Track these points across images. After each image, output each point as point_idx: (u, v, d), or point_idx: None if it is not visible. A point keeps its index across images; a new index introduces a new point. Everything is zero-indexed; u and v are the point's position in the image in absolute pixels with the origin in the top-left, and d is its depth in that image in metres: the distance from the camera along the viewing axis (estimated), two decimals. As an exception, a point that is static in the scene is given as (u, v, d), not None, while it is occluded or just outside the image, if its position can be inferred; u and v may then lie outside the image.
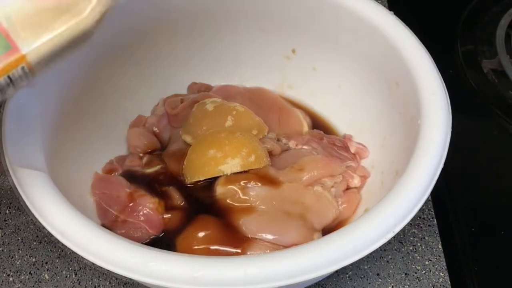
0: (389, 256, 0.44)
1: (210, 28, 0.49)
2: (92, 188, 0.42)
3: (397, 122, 0.42)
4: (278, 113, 0.48)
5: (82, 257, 0.30)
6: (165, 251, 0.30)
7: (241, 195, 0.39)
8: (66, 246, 0.31)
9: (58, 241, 0.31)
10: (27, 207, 0.32)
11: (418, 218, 0.46)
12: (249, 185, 0.40)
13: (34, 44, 0.26)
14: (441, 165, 0.34)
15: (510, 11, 0.59)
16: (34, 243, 0.45)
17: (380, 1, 0.59)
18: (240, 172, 0.40)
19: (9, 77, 0.26)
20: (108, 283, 0.42)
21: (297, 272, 0.29)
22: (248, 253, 0.37)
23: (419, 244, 0.44)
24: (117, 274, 0.30)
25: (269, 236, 0.38)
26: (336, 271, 0.43)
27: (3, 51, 0.25)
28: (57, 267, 0.43)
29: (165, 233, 0.40)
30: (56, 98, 0.40)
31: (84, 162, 0.43)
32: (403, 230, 0.43)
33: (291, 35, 0.48)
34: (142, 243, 0.32)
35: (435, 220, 0.46)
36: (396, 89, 0.41)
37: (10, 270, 0.43)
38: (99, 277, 0.43)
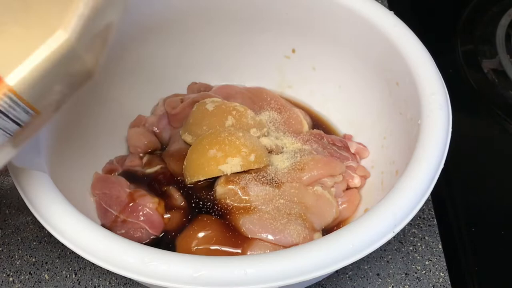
0: (389, 256, 0.44)
1: (210, 28, 0.49)
2: (92, 188, 0.42)
3: (397, 122, 0.42)
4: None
5: (82, 257, 0.30)
6: (165, 251, 0.30)
7: (241, 195, 0.39)
8: (66, 246, 0.31)
9: (58, 241, 0.31)
10: (27, 207, 0.32)
11: (418, 218, 0.46)
12: (249, 185, 0.40)
13: (16, 70, 0.24)
14: (441, 165, 0.34)
15: (510, 11, 0.59)
16: (34, 243, 0.45)
17: (380, 1, 0.59)
18: (240, 172, 0.40)
19: None
20: (108, 283, 0.42)
21: (297, 272, 0.29)
22: (248, 253, 0.37)
23: (419, 244, 0.44)
24: (117, 274, 0.30)
25: (269, 236, 0.38)
26: (336, 271, 0.43)
27: None
28: (57, 267, 0.43)
29: (165, 233, 0.40)
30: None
31: (85, 162, 0.43)
32: (403, 230, 0.43)
33: (291, 35, 0.48)
34: (142, 243, 0.32)
35: (435, 220, 0.46)
36: (396, 89, 0.41)
37: (10, 270, 0.43)
38: (99, 277, 0.43)
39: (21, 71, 0.24)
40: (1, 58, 0.24)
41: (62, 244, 0.31)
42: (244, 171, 0.40)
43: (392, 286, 0.42)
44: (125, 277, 0.42)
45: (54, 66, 0.25)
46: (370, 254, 0.30)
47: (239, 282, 0.29)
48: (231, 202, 0.40)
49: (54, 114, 0.29)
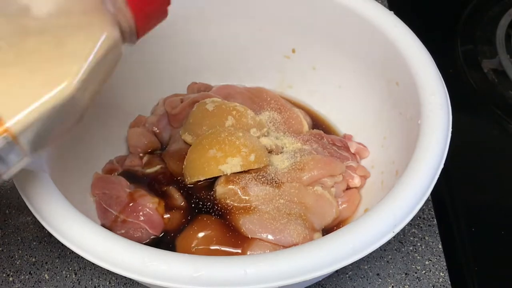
0: (389, 256, 0.44)
1: (210, 28, 0.49)
2: (92, 188, 0.42)
3: (397, 122, 0.42)
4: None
5: (82, 257, 0.30)
6: (165, 251, 0.30)
7: (241, 195, 0.39)
8: (66, 246, 0.31)
9: (58, 241, 0.31)
10: (27, 207, 0.32)
11: (418, 218, 0.46)
12: (249, 185, 0.40)
13: (16, 112, 0.24)
14: (441, 165, 0.34)
15: (510, 11, 0.59)
16: (34, 243, 0.45)
17: (380, 1, 0.59)
18: (240, 172, 0.40)
19: None
20: (108, 283, 0.42)
21: (297, 272, 0.29)
22: (248, 253, 0.37)
23: (419, 244, 0.44)
24: (117, 274, 0.30)
25: (269, 236, 0.38)
26: (336, 271, 0.43)
27: None
28: (57, 267, 0.43)
29: (165, 233, 0.40)
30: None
31: (85, 162, 0.43)
32: (403, 230, 0.43)
33: (291, 35, 0.48)
34: (142, 243, 0.32)
35: (435, 220, 0.46)
36: (396, 89, 0.41)
37: (10, 270, 0.43)
38: (99, 277, 0.43)
39: (20, 113, 0.24)
40: (4, 98, 0.24)
41: (62, 244, 0.31)
42: (244, 171, 0.40)
43: (392, 286, 0.42)
44: (125, 277, 0.42)
45: (52, 110, 0.25)
46: (370, 254, 0.30)
47: (239, 282, 0.29)
48: (231, 202, 0.40)
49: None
